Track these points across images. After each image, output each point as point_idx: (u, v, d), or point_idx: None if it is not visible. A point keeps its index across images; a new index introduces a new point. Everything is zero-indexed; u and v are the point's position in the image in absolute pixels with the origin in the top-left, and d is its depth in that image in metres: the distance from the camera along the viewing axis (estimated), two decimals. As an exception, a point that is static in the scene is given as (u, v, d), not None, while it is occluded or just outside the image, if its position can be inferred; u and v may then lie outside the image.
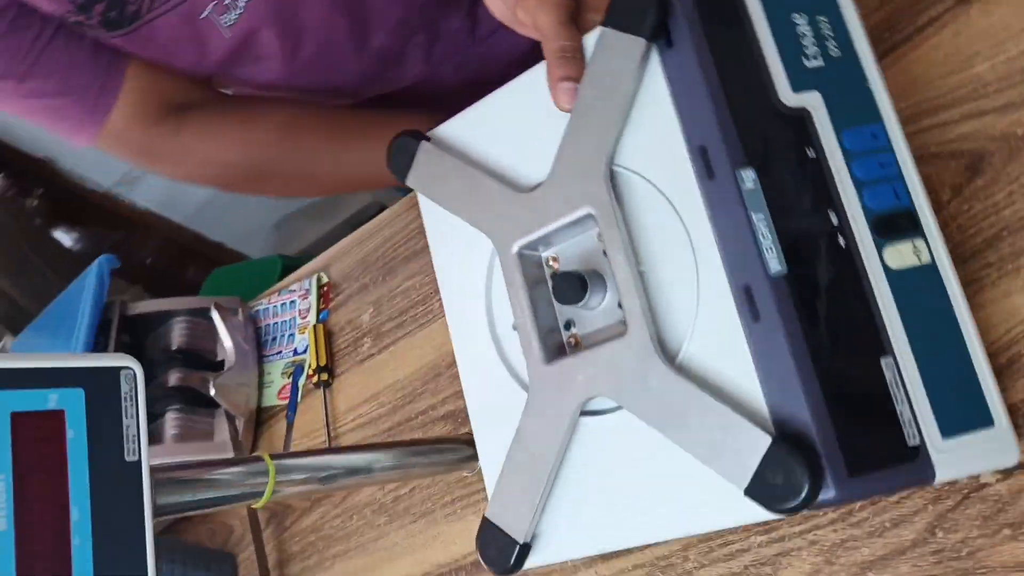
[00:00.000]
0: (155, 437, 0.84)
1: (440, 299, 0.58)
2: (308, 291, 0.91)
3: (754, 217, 0.44)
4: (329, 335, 0.86)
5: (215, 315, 0.87)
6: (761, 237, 0.43)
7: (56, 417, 0.38)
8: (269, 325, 0.93)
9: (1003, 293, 0.47)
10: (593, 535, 0.49)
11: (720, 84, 0.45)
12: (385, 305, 0.82)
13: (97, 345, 0.85)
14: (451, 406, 0.73)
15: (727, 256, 0.44)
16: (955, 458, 0.42)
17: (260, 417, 0.90)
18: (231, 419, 0.84)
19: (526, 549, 0.51)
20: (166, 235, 1.98)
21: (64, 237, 1.84)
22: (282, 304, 0.93)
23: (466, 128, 0.57)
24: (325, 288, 0.90)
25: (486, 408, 0.54)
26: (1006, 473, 0.46)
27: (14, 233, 1.69)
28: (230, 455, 0.84)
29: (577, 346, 0.52)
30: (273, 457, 0.48)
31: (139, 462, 0.41)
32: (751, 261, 0.43)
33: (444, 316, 0.57)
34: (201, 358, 0.90)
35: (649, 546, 0.58)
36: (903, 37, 0.52)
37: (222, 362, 0.89)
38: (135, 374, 0.42)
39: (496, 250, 0.52)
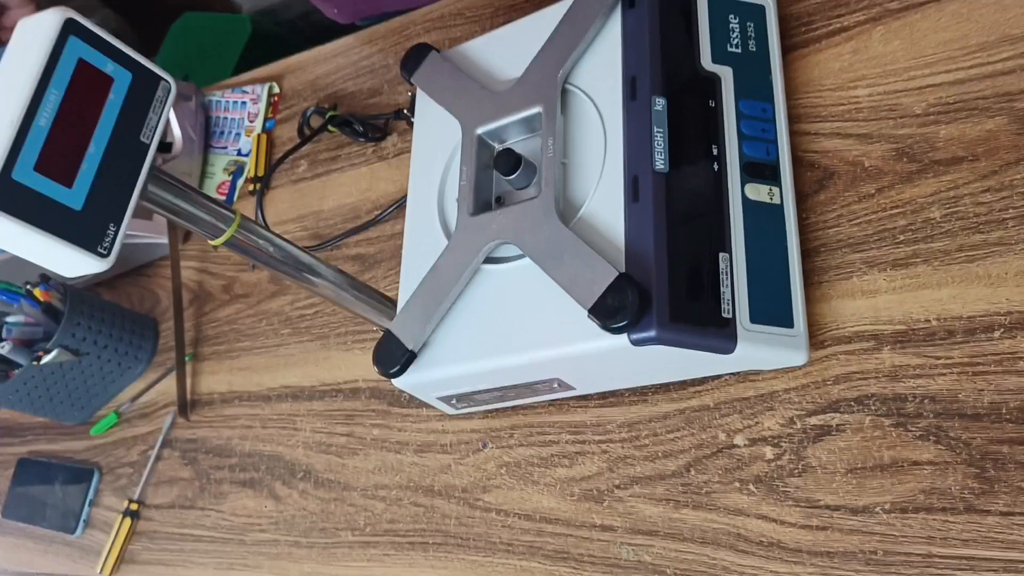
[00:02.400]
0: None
1: (372, 149, 0.70)
2: (259, 97, 1.01)
3: (655, 130, 0.57)
4: (271, 146, 0.97)
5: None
6: (656, 144, 0.57)
7: (107, 79, 0.51)
8: (220, 118, 1.03)
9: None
10: (468, 353, 0.60)
11: (660, 40, 0.60)
12: (325, 135, 0.93)
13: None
14: (361, 249, 0.85)
15: (628, 153, 0.58)
16: (755, 339, 0.53)
17: None
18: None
19: (412, 356, 0.61)
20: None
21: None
22: (234, 102, 1.03)
23: (468, 51, 0.71)
24: (275, 99, 1.01)
25: (418, 249, 0.66)
26: (754, 439, 0.56)
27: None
28: (163, 233, 0.96)
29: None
30: (243, 217, 0.60)
31: (148, 145, 0.53)
32: (644, 159, 0.57)
33: (374, 163, 0.70)
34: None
35: (490, 415, 0.68)
36: (814, 36, 0.64)
37: (171, 144, 0.97)
38: (170, 88, 0.55)
39: (462, 131, 0.66)
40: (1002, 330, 0.51)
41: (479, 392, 0.63)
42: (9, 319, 0.91)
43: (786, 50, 0.64)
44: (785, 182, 0.59)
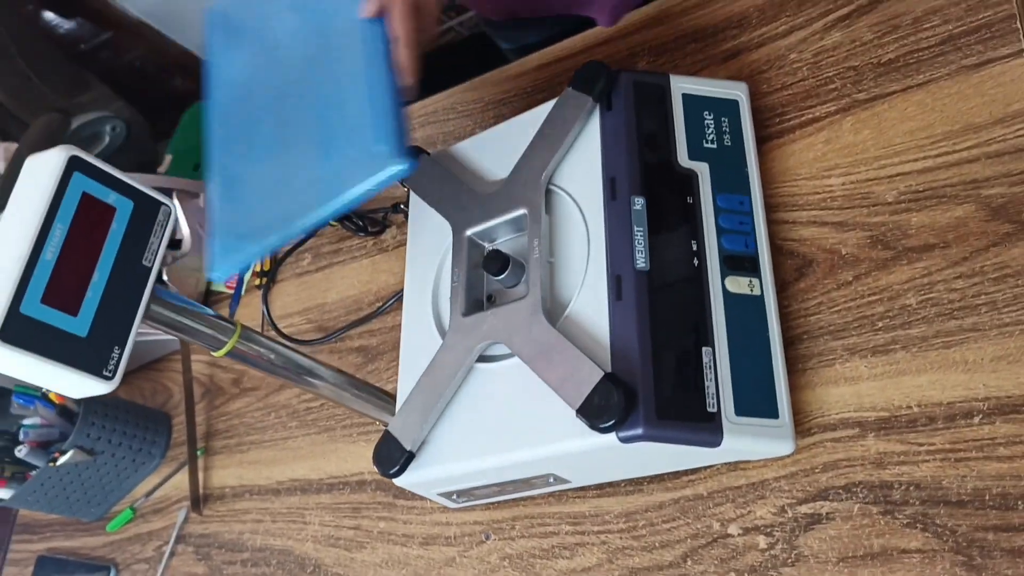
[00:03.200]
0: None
1: (372, 241, 0.75)
2: None
3: (635, 229, 0.60)
4: None
5: (175, 201, 1.00)
6: (636, 243, 0.59)
7: (110, 210, 0.54)
8: None
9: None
10: (463, 452, 0.61)
11: (636, 141, 0.63)
12: (328, 232, 0.96)
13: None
14: (364, 341, 0.87)
15: (611, 253, 0.60)
16: (741, 432, 0.55)
17: (207, 300, 1.03)
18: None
19: (411, 457, 0.63)
20: (156, 45, 1.84)
21: (55, 20, 1.70)
22: None
23: (458, 153, 0.74)
24: None
25: (414, 347, 0.68)
26: (747, 528, 0.57)
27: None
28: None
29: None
30: (243, 327, 0.62)
31: (150, 269, 0.56)
32: (625, 258, 0.59)
33: (375, 254, 0.75)
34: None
35: (491, 507, 0.69)
36: (787, 127, 0.67)
37: (180, 241, 0.99)
38: (171, 212, 0.58)
39: (453, 233, 0.68)
40: (981, 416, 0.52)
41: (478, 488, 0.65)
42: (26, 422, 0.94)
43: (761, 140, 0.67)
44: (764, 273, 0.60)
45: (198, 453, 0.95)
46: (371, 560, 0.76)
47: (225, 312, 1.00)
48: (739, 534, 0.58)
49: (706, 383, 0.56)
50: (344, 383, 0.69)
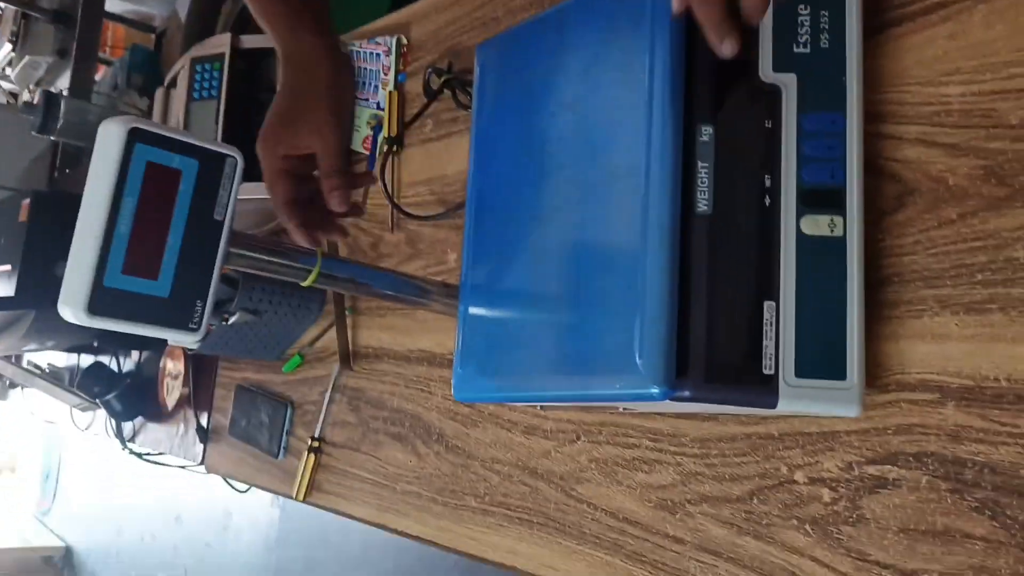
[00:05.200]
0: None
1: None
2: (390, 49, 1.02)
3: (700, 165, 0.54)
4: (403, 101, 1.00)
5: None
6: (700, 182, 0.54)
7: (175, 173, 0.57)
8: (361, 68, 1.05)
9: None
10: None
11: (714, 55, 0.55)
12: (446, 98, 0.94)
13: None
14: None
15: (669, 194, 0.55)
16: (800, 395, 0.51)
17: (349, 159, 1.06)
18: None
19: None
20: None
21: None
22: (370, 53, 1.04)
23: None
24: (404, 50, 1.02)
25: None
26: (813, 478, 0.54)
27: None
28: None
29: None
30: (324, 255, 0.65)
31: (223, 221, 0.59)
32: (686, 200, 0.54)
33: None
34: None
35: (583, 410, 0.71)
36: (907, 13, 0.55)
37: None
38: (237, 162, 0.59)
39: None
40: (1076, 404, 0.45)
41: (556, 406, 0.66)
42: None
43: (872, 32, 0.56)
44: (852, 208, 0.53)
45: (347, 312, 1.03)
46: (483, 439, 0.81)
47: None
48: (804, 483, 0.56)
49: (765, 342, 0.52)
50: (420, 288, 0.70)
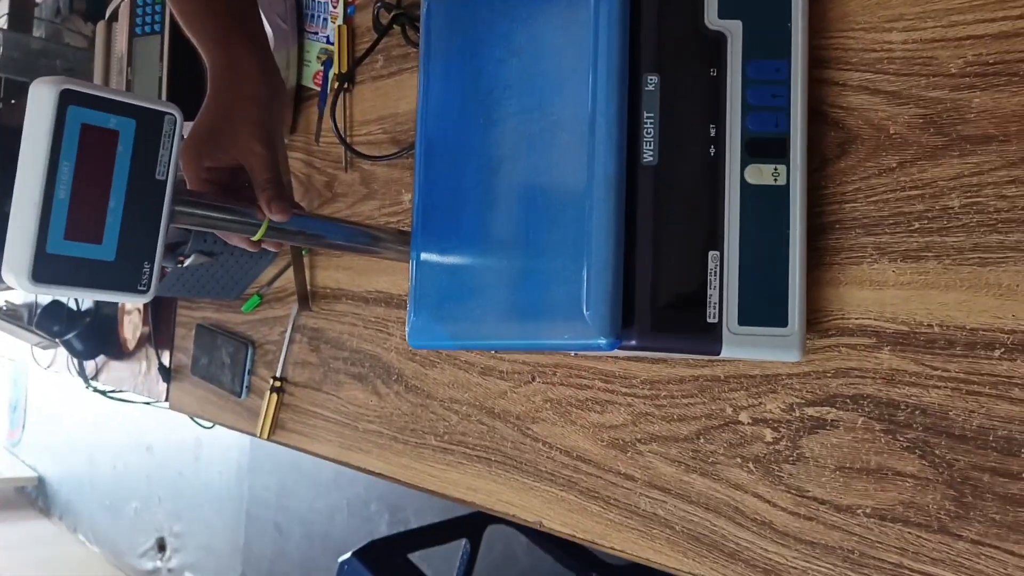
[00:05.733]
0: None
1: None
2: None
3: (644, 116, 0.54)
4: (352, 36, 0.98)
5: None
6: (645, 132, 0.54)
7: (112, 134, 0.56)
8: (309, 1, 1.02)
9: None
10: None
11: (659, 1, 0.54)
12: (396, 34, 0.92)
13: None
14: None
15: (617, 142, 0.55)
16: (742, 342, 0.53)
17: (299, 95, 1.05)
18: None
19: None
20: None
21: None
22: None
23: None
24: None
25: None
26: (756, 419, 0.56)
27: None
28: None
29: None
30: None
31: (165, 181, 0.58)
32: (631, 150, 0.54)
33: None
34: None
35: (536, 352, 0.73)
36: None
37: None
38: (176, 119, 0.58)
39: (476, 96, 0.65)
40: (1003, 349, 0.47)
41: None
42: (153, 227, 1.03)
43: (819, -25, 0.56)
44: (795, 157, 0.54)
45: (303, 253, 1.02)
46: (441, 379, 0.82)
47: (315, 111, 1.02)
48: (748, 423, 0.58)
49: (709, 291, 0.53)
50: (366, 235, 0.70)
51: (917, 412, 0.50)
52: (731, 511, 0.58)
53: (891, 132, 0.52)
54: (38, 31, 1.86)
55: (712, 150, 0.54)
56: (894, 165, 0.52)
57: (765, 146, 0.54)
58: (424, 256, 0.68)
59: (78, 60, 1.65)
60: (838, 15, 0.55)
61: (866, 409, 0.52)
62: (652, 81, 0.54)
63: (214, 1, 0.73)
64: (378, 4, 0.92)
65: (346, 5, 1.01)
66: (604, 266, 0.53)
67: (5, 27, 1.84)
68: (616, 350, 0.54)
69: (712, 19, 0.54)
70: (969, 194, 0.49)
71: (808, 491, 0.55)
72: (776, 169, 0.54)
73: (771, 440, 0.57)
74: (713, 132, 0.54)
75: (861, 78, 0.54)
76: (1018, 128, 0.47)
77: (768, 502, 0.57)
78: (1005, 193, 0.47)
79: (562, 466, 0.70)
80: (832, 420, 0.54)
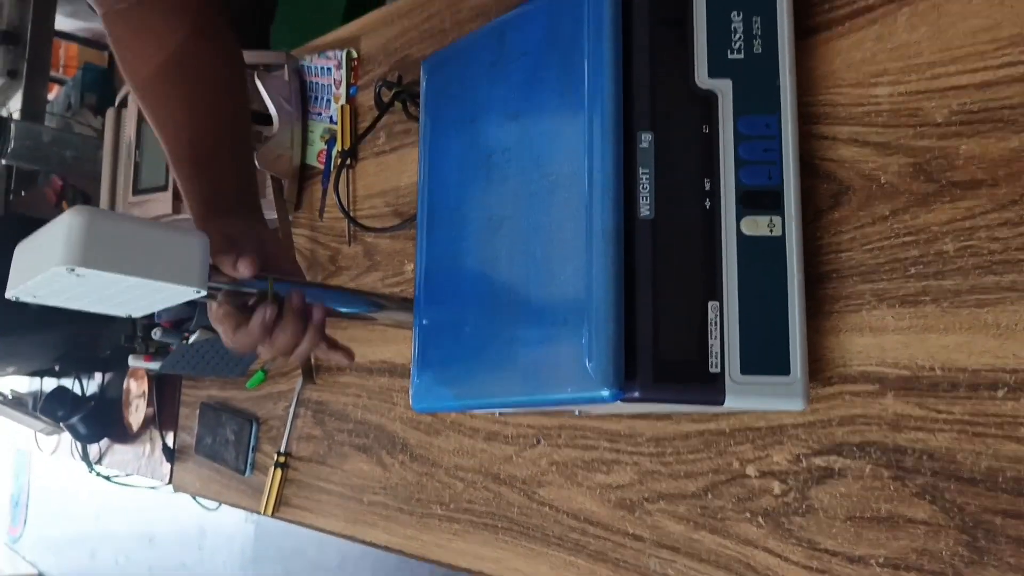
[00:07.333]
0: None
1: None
2: (340, 62, 1.03)
3: (640, 172, 0.55)
4: (355, 115, 1.01)
5: (257, 81, 1.00)
6: (641, 187, 0.55)
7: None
8: (313, 83, 1.06)
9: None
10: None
11: (648, 61, 0.56)
12: (397, 110, 0.94)
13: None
14: None
15: (615, 198, 0.56)
16: (746, 391, 0.53)
17: (304, 173, 1.08)
18: (275, 178, 0.99)
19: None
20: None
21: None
22: (322, 67, 1.05)
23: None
24: (355, 64, 1.03)
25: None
26: (764, 471, 0.56)
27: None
28: (271, 208, 1.04)
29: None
30: (275, 278, 0.65)
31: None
32: (628, 205, 0.55)
33: None
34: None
35: (541, 414, 0.72)
36: (836, 17, 0.57)
37: (269, 116, 1.02)
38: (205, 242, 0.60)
39: (476, 160, 0.66)
40: (1006, 389, 0.47)
41: (515, 412, 0.67)
42: (159, 304, 1.05)
43: (803, 36, 0.58)
44: (789, 208, 0.55)
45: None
46: (446, 447, 0.82)
47: (320, 188, 1.04)
48: (756, 476, 0.57)
49: (710, 341, 0.53)
50: (369, 302, 0.70)
51: (924, 457, 0.50)
52: (742, 567, 0.57)
53: (882, 181, 0.54)
54: (50, 122, 1.92)
55: (708, 203, 0.55)
56: (887, 213, 0.53)
57: (759, 198, 0.55)
58: (426, 319, 0.69)
59: (87, 148, 1.69)
60: (825, 72, 0.57)
61: (873, 456, 0.52)
62: (646, 139, 0.55)
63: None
64: (379, 83, 0.95)
65: (349, 86, 1.04)
66: (605, 318, 0.54)
67: (18, 118, 1.89)
68: (620, 405, 0.54)
69: (703, 79, 0.56)
70: (962, 238, 0.50)
71: (819, 543, 0.54)
72: (771, 220, 0.55)
73: (779, 492, 0.56)
74: (708, 186, 0.55)
75: (850, 131, 0.56)
76: (1006, 172, 0.48)
77: (779, 556, 0.56)
78: (998, 235, 0.48)
79: (569, 529, 0.69)
80: (840, 469, 0.53)
